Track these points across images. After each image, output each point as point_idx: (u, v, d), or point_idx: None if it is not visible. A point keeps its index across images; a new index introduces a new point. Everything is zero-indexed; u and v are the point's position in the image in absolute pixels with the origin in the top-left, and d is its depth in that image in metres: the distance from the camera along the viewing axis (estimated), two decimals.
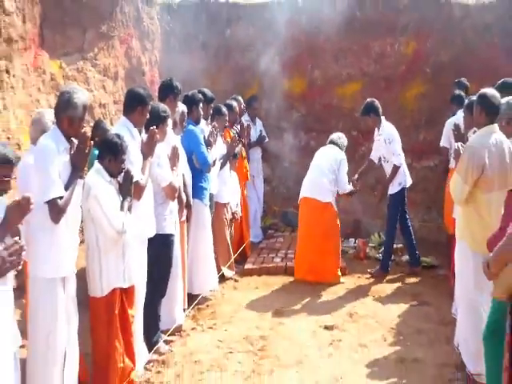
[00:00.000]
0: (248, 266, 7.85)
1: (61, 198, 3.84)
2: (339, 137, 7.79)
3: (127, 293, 4.56)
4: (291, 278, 7.44)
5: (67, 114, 3.98)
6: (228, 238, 7.34)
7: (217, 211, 6.97)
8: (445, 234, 7.68)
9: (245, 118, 8.47)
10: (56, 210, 3.81)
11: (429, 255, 8.09)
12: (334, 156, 7.46)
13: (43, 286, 3.88)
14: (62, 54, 7.19)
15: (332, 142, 7.70)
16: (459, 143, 5.18)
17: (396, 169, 7.49)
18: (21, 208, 3.36)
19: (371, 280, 7.53)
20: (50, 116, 4.55)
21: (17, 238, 3.08)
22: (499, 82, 5.88)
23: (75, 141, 4.00)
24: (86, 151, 4.02)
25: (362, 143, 9.65)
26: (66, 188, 3.91)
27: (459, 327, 5.07)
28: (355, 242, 8.81)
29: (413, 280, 7.55)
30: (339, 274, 7.38)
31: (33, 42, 6.61)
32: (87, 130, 4.22)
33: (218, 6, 10.21)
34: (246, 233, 8.26)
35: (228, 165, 7.26)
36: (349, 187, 7.53)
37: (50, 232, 3.83)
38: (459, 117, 6.67)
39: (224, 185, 7.14)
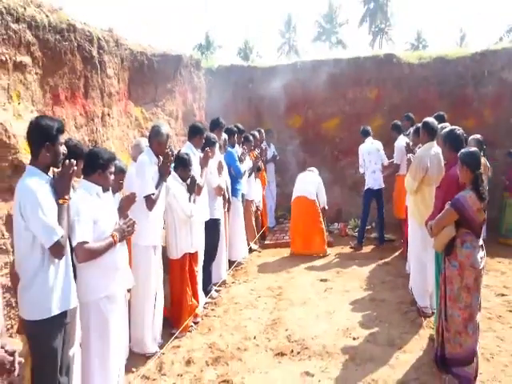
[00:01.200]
0: (267, 242, 7.92)
1: (153, 194, 4.01)
2: (314, 168, 7.77)
3: (193, 256, 4.73)
4: None
5: (157, 139, 4.19)
6: (254, 224, 7.38)
7: (246, 205, 7.02)
8: (397, 220, 7.54)
9: (264, 144, 8.51)
10: (150, 201, 3.99)
11: (387, 233, 7.97)
12: (316, 179, 7.40)
13: (142, 250, 4.02)
14: (142, 103, 7.24)
15: (311, 170, 7.70)
16: (410, 154, 5.33)
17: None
18: (129, 200, 3.60)
19: (351, 250, 7.51)
20: (144, 142, 4.71)
21: (129, 217, 3.32)
22: (435, 114, 6.02)
23: (161, 158, 4.20)
24: (169, 164, 4.18)
25: (341, 159, 9.67)
26: (156, 188, 4.07)
27: (412, 276, 5.12)
28: (338, 225, 8.79)
29: (377, 249, 7.53)
30: (326, 247, 7.24)
31: (124, 95, 6.70)
32: (168, 150, 4.23)
33: (242, 68, 10.28)
34: (265, 220, 8.27)
35: (253, 174, 7.30)
36: (324, 204, 7.36)
37: (145, 215, 3.96)
38: (401, 140, 6.79)
39: (251, 188, 7.17)
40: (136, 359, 3.94)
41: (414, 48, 44.01)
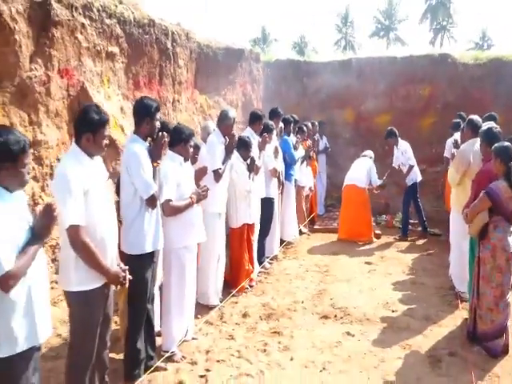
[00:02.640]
0: (316, 226, 8.43)
1: (220, 168, 4.66)
2: (369, 152, 8.14)
3: (251, 227, 5.35)
4: None
5: (225, 122, 4.83)
6: (304, 208, 7.87)
7: (298, 191, 7.48)
8: (447, 215, 7.85)
9: (316, 135, 8.91)
10: (217, 175, 4.64)
11: (436, 228, 8.18)
12: (367, 162, 7.81)
13: (209, 216, 4.56)
14: (206, 92, 7.99)
15: (364, 156, 8.07)
16: (454, 149, 5.69)
17: (411, 167, 7.77)
18: (202, 172, 4.27)
19: (396, 241, 7.80)
20: (211, 125, 5.33)
21: (204, 185, 4.00)
22: (487, 114, 6.29)
23: (227, 138, 4.84)
24: (233, 144, 4.79)
25: (391, 154, 9.96)
26: (223, 164, 4.71)
27: (451, 263, 5.45)
28: (386, 217, 9.09)
29: (423, 241, 7.79)
30: (372, 236, 7.62)
31: (191, 84, 7.53)
32: (233, 132, 4.84)
33: (299, 63, 10.84)
34: (314, 207, 8.70)
35: (305, 162, 7.73)
36: (379, 181, 7.78)
37: (213, 187, 4.46)
38: (456, 137, 6.95)
39: (303, 175, 7.61)
40: (200, 309, 4.60)
41: (479, 47, 42.72)
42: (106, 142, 2.82)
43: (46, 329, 2.38)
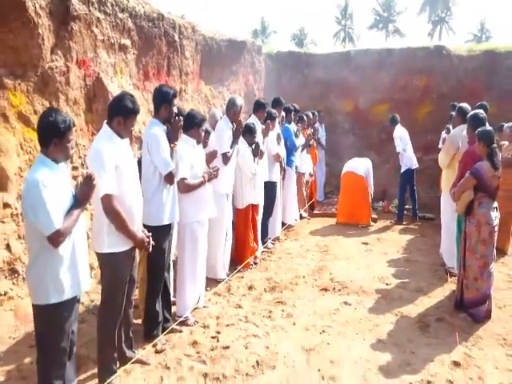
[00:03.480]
0: (315, 211, 8.81)
1: (228, 152, 4.98)
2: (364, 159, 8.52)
3: (255, 207, 5.70)
4: None
5: (233, 109, 5.15)
6: (304, 194, 8.23)
7: (298, 177, 7.81)
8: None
9: (317, 124, 9.22)
10: (226, 158, 4.96)
11: (430, 212, 8.56)
12: (368, 162, 8.26)
13: (217, 196, 4.84)
14: (211, 82, 8.30)
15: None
16: (445, 134, 6.05)
17: (399, 154, 8.11)
18: (212, 155, 4.59)
19: (392, 225, 8.18)
20: (218, 113, 5.64)
21: (215, 165, 4.38)
22: (478, 103, 6.58)
23: (235, 124, 5.18)
24: (240, 130, 5.13)
25: (389, 143, 10.23)
26: (230, 147, 5.04)
27: (442, 242, 5.79)
28: (382, 203, 9.46)
29: (418, 225, 8.16)
30: (370, 220, 8.01)
31: (196, 75, 7.84)
32: (240, 119, 5.15)
33: (299, 55, 11.19)
34: (314, 193, 9.07)
35: (306, 150, 8.07)
36: (372, 188, 8.20)
37: (222, 168, 4.72)
38: (448, 124, 7.34)
39: (303, 162, 7.94)
40: (209, 282, 4.96)
41: (477, 39, 42.92)
42: (133, 128, 3.21)
43: (85, 281, 2.78)
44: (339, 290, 5.12)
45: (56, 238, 2.51)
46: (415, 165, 8.26)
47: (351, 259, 6.20)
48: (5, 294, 4.02)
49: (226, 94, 8.65)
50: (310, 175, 8.42)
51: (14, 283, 4.14)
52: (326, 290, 5.12)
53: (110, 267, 3.09)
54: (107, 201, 2.94)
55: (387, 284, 5.34)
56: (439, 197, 7.75)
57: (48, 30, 4.77)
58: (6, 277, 4.09)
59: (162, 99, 3.68)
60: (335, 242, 6.97)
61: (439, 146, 7.81)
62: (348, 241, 7.10)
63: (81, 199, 2.69)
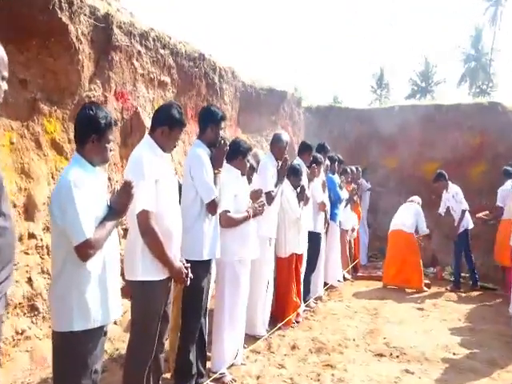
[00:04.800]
0: (359, 274, 8.47)
1: (272, 191, 4.81)
2: (417, 198, 8.28)
3: (299, 257, 5.44)
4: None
5: (278, 145, 5.07)
6: (348, 253, 7.93)
7: (341, 234, 7.55)
8: (498, 270, 7.83)
9: (361, 180, 9.16)
10: (270, 198, 4.75)
11: (490, 283, 8.07)
12: (415, 208, 7.91)
13: (260, 241, 4.50)
14: (248, 131, 8.31)
15: (411, 200, 8.20)
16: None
17: (463, 212, 7.80)
18: (257, 194, 4.35)
19: (447, 291, 7.67)
20: (261, 153, 5.50)
21: (262, 199, 4.21)
22: None
23: (279, 162, 5.06)
24: (286, 168, 4.99)
25: (438, 205, 10.00)
26: (275, 186, 4.89)
27: None
28: (433, 269, 9.01)
29: (478, 293, 7.65)
30: (423, 284, 7.53)
31: (234, 122, 7.90)
32: (286, 156, 5.05)
33: (340, 110, 11.34)
34: (357, 254, 8.75)
35: (349, 206, 7.88)
36: (426, 230, 7.82)
37: (265, 209, 4.41)
38: (508, 184, 7.37)
39: (347, 217, 7.73)
40: (246, 338, 4.55)
41: None
42: (177, 143, 3.09)
43: (116, 308, 2.52)
44: (397, 357, 4.66)
45: (85, 249, 2.28)
46: (471, 224, 7.96)
47: (406, 324, 5.77)
48: (22, 333, 3.76)
49: (264, 145, 8.61)
50: (352, 230, 8.19)
51: (32, 322, 3.88)
52: (381, 355, 4.68)
53: (144, 297, 2.84)
54: (144, 218, 2.74)
55: (454, 353, 4.86)
56: (502, 268, 7.48)
57: (88, 58, 4.83)
58: (24, 313, 3.84)
59: (210, 119, 3.60)
60: (385, 306, 6.57)
61: (497, 204, 7.73)
62: (399, 305, 6.67)
63: (117, 209, 2.48)
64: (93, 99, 4.81)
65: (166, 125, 2.95)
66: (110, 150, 2.56)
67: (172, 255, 2.89)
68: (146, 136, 3.02)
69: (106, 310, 2.43)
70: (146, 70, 5.66)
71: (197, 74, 6.69)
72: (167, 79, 6.08)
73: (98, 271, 2.40)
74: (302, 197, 5.38)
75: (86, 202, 2.30)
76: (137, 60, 5.52)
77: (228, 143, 3.67)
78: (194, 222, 3.44)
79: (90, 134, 2.44)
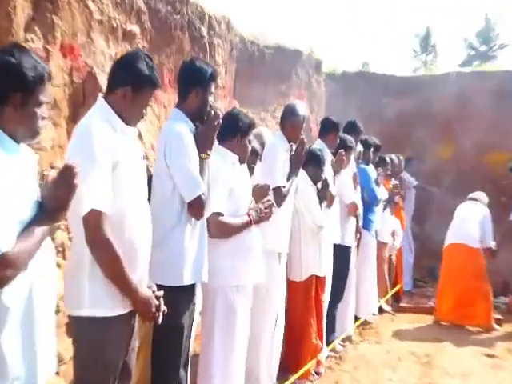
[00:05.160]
0: (402, 304, 8.29)
1: (283, 186, 4.58)
2: (481, 195, 8.06)
3: (320, 281, 5.23)
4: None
5: (291, 120, 4.84)
6: (386, 275, 7.74)
7: (378, 248, 7.33)
8: None
9: (404, 174, 9.02)
10: (279, 196, 4.51)
11: None
12: (482, 211, 7.70)
13: (266, 258, 4.26)
14: (249, 104, 8.05)
15: (474, 199, 7.97)
16: None
17: None
18: (262, 191, 4.17)
19: None
20: (268, 133, 5.32)
21: (269, 198, 3.99)
22: None
23: (294, 145, 4.80)
24: (303, 153, 4.76)
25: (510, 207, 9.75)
26: (287, 180, 4.65)
27: None
28: (505, 298, 8.81)
29: None
30: (492, 321, 7.35)
31: (228, 92, 7.68)
32: (303, 136, 4.86)
33: (375, 77, 11.15)
34: (399, 277, 8.59)
35: (389, 209, 7.72)
36: (493, 243, 7.61)
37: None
38: None
39: (385, 225, 7.54)
40: None
41: None
42: (145, 111, 2.86)
43: (48, 364, 2.28)
44: None
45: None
46: None
47: (472, 377, 5.53)
48: None
49: (269, 123, 8.45)
50: (394, 235, 8.05)
51: None
52: None
53: (92, 342, 2.57)
54: (94, 222, 2.44)
55: None
56: None
57: None
58: None
59: (194, 79, 3.38)
60: (441, 351, 6.32)
61: None
62: (460, 350, 6.42)
63: (51, 209, 2.16)
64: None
65: (129, 84, 2.69)
66: (43, 118, 2.26)
67: (136, 279, 2.64)
68: (100, 100, 2.76)
69: (33, 367, 2.14)
70: (105, 15, 5.36)
71: (177, 24, 6.42)
72: (135, 29, 5.77)
73: (19, 305, 2.09)
74: (324, 195, 5.21)
75: (2, 195, 1.99)
76: (93, 1, 5.26)
77: (221, 115, 3.44)
78: (171, 229, 3.21)
79: (9, 91, 2.13)
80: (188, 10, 6.63)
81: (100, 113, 2.69)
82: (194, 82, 3.37)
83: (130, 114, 2.75)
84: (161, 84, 2.90)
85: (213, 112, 3.36)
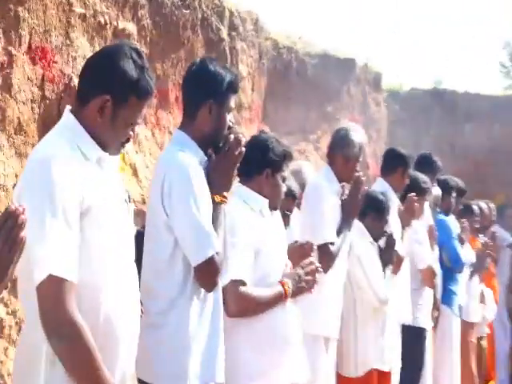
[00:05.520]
0: None
1: (332, 243, 4.45)
2: None
3: (385, 377, 5.09)
4: None
5: (343, 152, 4.75)
6: (474, 368, 7.49)
7: (463, 330, 7.14)
8: None
9: (496, 228, 8.90)
10: (327, 256, 4.41)
11: None
12: None
13: (309, 344, 4.21)
14: (284, 132, 8.04)
15: None
16: None
17: None
18: (303, 251, 4.02)
19: None
20: (307, 168, 5.33)
21: (312, 259, 3.75)
22: None
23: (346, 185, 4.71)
24: (360, 197, 4.64)
25: None
26: (337, 235, 4.53)
27: None
28: None
29: None
30: None
31: (257, 115, 7.70)
32: (360, 174, 4.81)
33: (454, 95, 11.16)
34: (492, 371, 8.44)
35: (477, 277, 7.55)
36: None
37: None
38: None
39: (472, 299, 7.38)
40: None
41: None
42: (131, 132, 2.71)
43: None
44: None
45: None
46: None
47: None
48: None
49: (311, 156, 8.55)
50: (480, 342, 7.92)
51: None
52: None
53: None
54: (53, 294, 2.27)
55: None
56: None
57: None
58: None
59: (206, 90, 3.24)
60: None
61: None
62: None
63: None
64: None
65: (108, 92, 2.53)
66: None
67: (116, 379, 2.47)
68: (66, 116, 2.60)
69: None
70: (89, 8, 5.43)
71: (187, 21, 6.54)
72: (131, 27, 5.92)
73: None
74: (389, 257, 5.16)
75: None
76: None
77: (243, 141, 3.29)
78: (169, 306, 3.06)
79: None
80: (202, 4, 6.68)
81: (65, 135, 2.54)
82: (205, 92, 3.22)
83: (109, 136, 2.59)
84: (154, 92, 2.73)
85: (232, 136, 3.22)
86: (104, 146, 2.58)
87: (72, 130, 2.55)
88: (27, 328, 2.56)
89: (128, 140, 2.72)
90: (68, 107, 2.67)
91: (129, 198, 2.78)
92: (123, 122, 2.60)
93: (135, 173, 5.66)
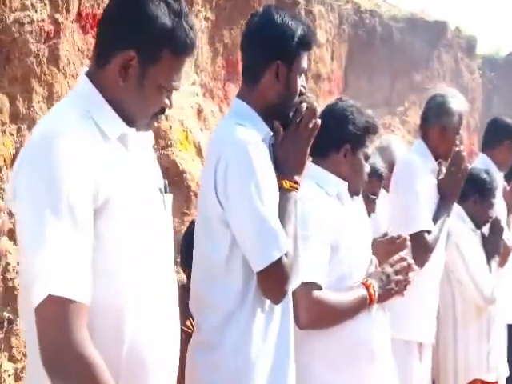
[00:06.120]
0: None
1: (428, 232, 4.21)
2: None
3: None
4: None
5: (440, 122, 4.46)
6: None
7: None
8: None
9: None
10: (424, 246, 4.23)
11: None
12: None
13: (400, 350, 4.07)
14: (367, 104, 7.78)
15: None
16: None
17: None
18: (397, 245, 3.82)
19: None
20: (398, 145, 5.24)
21: (403, 254, 3.44)
22: None
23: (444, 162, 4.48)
24: (461, 176, 4.36)
25: None
26: (435, 221, 4.29)
27: None
28: None
29: None
30: None
31: (337, 86, 7.51)
32: (461, 148, 4.52)
33: None
34: None
35: None
36: None
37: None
38: None
39: None
40: None
41: None
42: (167, 100, 2.30)
43: None
44: None
45: None
46: None
47: None
48: None
49: (398, 132, 8.31)
50: None
51: None
52: None
53: None
54: (55, 319, 1.92)
55: None
56: None
57: None
58: None
59: (271, 47, 2.85)
60: None
61: None
62: None
63: None
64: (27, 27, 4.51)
65: (133, 46, 2.13)
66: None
67: None
68: (82, 81, 2.20)
69: None
70: None
71: None
72: None
73: None
74: (495, 247, 4.98)
75: None
76: None
77: (318, 112, 3.00)
78: (226, 320, 2.75)
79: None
80: None
81: (78, 105, 2.13)
82: (271, 51, 2.82)
83: (135, 106, 2.19)
84: (196, 45, 2.29)
85: (305, 105, 2.88)
86: (130, 120, 2.16)
87: (87, 99, 2.14)
88: (29, 362, 2.19)
89: (163, 111, 2.29)
90: (83, 69, 2.28)
91: (165, 186, 2.37)
92: (154, 85, 2.17)
93: (199, 153, 5.49)
